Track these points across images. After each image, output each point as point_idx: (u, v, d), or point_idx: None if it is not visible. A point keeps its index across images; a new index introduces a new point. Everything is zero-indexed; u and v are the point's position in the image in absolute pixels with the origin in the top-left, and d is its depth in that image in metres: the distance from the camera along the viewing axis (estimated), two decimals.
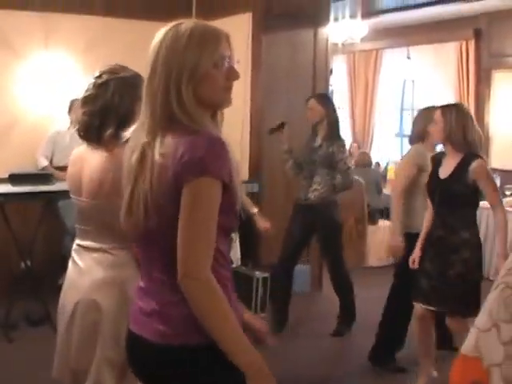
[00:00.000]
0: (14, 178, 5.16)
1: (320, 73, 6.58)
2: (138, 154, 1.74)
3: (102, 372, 2.36)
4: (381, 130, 10.61)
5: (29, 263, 5.34)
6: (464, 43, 8.82)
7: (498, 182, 7.26)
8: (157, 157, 1.68)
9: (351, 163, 9.20)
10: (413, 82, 10.18)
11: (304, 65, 6.46)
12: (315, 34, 6.51)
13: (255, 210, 4.78)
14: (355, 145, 10.38)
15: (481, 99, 8.58)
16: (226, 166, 1.66)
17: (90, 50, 6.46)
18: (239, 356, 1.65)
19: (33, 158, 6.12)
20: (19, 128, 6.30)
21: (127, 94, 2.38)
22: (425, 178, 4.11)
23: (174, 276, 1.67)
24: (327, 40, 6.58)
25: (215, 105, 1.79)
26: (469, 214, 3.87)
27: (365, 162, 8.40)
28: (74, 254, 2.56)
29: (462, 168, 3.80)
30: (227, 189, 1.67)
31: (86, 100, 2.47)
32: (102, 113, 2.40)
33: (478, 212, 4.03)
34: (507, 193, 7.39)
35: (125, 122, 2.20)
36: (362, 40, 7.21)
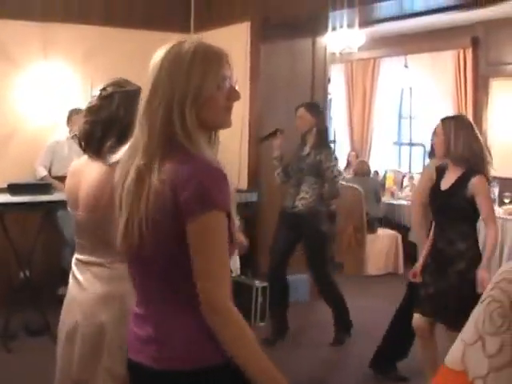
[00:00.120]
0: (13, 188, 5.15)
1: (318, 82, 6.60)
2: (134, 177, 1.70)
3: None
4: (379, 138, 10.61)
5: (28, 273, 5.34)
6: (461, 51, 8.84)
7: (496, 190, 7.29)
8: (155, 182, 1.65)
9: (350, 172, 9.29)
10: (410, 90, 10.20)
11: (302, 74, 6.48)
12: (313, 43, 6.53)
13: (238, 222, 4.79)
14: (353, 153, 10.38)
15: (479, 107, 8.59)
16: (229, 197, 1.66)
17: (88, 59, 6.48)
18: (263, 378, 1.66)
19: (31, 168, 6.12)
20: (18, 138, 6.31)
21: (131, 108, 2.37)
22: None
23: (170, 302, 1.69)
24: (325, 49, 6.60)
25: (215, 127, 1.78)
26: (467, 227, 3.84)
27: (363, 171, 8.40)
28: (73, 268, 2.55)
29: (461, 182, 3.80)
30: (229, 218, 1.68)
31: (90, 110, 2.47)
32: (106, 124, 2.40)
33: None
34: (506, 201, 7.40)
35: (125, 135, 2.20)
36: (360, 49, 7.20)
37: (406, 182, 9.22)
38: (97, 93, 2.49)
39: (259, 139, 5.75)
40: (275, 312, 5.46)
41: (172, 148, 1.68)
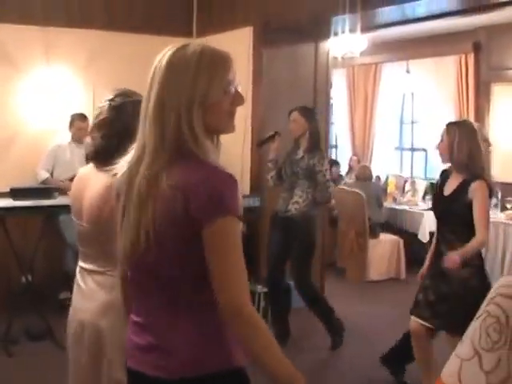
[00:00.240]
0: (15, 192, 5.15)
1: (321, 86, 6.60)
2: (142, 184, 1.69)
3: None
4: (380, 143, 10.61)
5: (29, 278, 5.33)
6: (463, 57, 8.85)
7: (498, 195, 7.27)
8: (165, 188, 1.64)
9: (352, 177, 9.28)
10: (412, 95, 10.20)
11: (305, 78, 6.48)
12: (316, 48, 6.53)
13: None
14: (355, 158, 10.38)
15: (480, 112, 8.59)
16: (239, 202, 1.66)
17: (90, 64, 6.49)
18: (284, 379, 1.65)
19: (32, 172, 6.12)
20: (19, 142, 6.31)
21: None
22: None
23: (171, 309, 1.69)
24: (328, 54, 6.60)
25: (219, 131, 1.77)
26: (468, 233, 3.81)
27: (365, 176, 8.38)
28: (77, 275, 2.55)
29: (463, 188, 3.80)
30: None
31: (102, 123, 2.43)
32: (120, 135, 2.31)
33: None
34: (508, 206, 7.38)
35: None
36: (362, 54, 7.20)
37: (407, 186, 9.20)
38: (103, 104, 2.45)
39: (258, 142, 5.75)
40: (276, 317, 5.45)
41: (180, 153, 1.66)
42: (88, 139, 2.61)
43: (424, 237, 7.86)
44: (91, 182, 2.44)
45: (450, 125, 3.94)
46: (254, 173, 6.21)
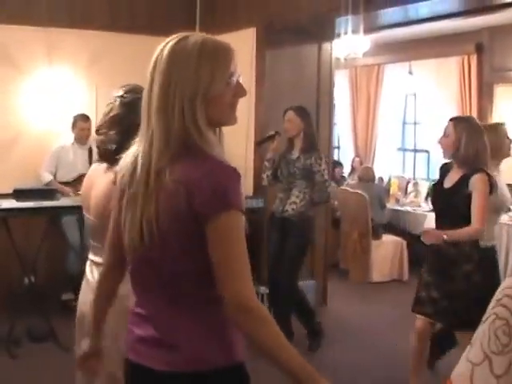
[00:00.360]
0: (19, 193, 5.14)
1: (324, 87, 6.59)
2: (145, 178, 1.67)
3: None
4: (383, 144, 10.60)
5: (32, 279, 5.33)
6: (466, 57, 8.83)
7: None
8: (168, 183, 1.63)
9: (354, 178, 9.26)
10: (415, 96, 10.18)
11: (308, 79, 6.47)
12: (319, 49, 6.52)
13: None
14: (358, 159, 10.38)
15: (483, 113, 8.57)
16: (243, 197, 1.65)
17: (92, 64, 6.49)
18: (296, 370, 1.63)
19: (35, 173, 6.11)
20: (22, 143, 6.30)
21: None
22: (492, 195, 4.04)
23: (172, 304, 1.68)
24: (331, 55, 6.59)
25: (221, 123, 1.75)
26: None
27: (368, 177, 8.37)
28: (87, 269, 2.60)
29: (463, 181, 3.79)
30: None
31: (114, 120, 2.45)
32: (131, 132, 2.35)
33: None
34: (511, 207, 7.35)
35: None
36: (364, 55, 7.19)
37: (410, 188, 9.20)
38: (113, 100, 2.47)
39: (257, 141, 5.73)
40: (278, 317, 5.43)
41: (186, 148, 1.65)
42: (94, 138, 2.63)
43: None
44: (99, 180, 2.48)
45: (457, 121, 3.91)
46: (256, 174, 6.19)
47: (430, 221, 7.66)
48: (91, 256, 2.59)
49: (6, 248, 5.25)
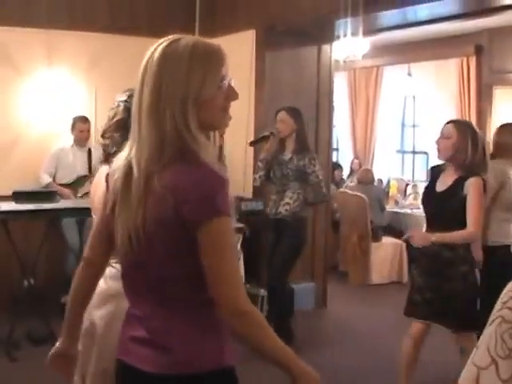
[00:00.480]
0: (18, 196, 5.13)
1: (323, 89, 6.60)
2: (139, 184, 1.66)
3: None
4: (382, 146, 10.61)
5: (32, 281, 5.31)
6: (465, 59, 8.84)
7: None
8: (157, 188, 1.62)
9: (353, 180, 9.26)
10: (414, 98, 10.19)
11: (307, 81, 6.47)
12: (319, 51, 6.52)
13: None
14: (357, 161, 10.38)
15: (482, 115, 8.58)
16: (230, 203, 1.65)
17: (92, 66, 6.48)
18: (291, 366, 1.69)
19: (34, 175, 6.10)
20: (21, 145, 6.29)
21: None
22: (505, 194, 4.01)
23: (165, 306, 1.68)
24: (331, 57, 6.60)
25: (213, 127, 1.75)
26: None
27: (367, 179, 8.38)
28: None
29: (458, 184, 3.74)
30: None
31: (119, 124, 2.49)
32: None
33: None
34: None
35: None
36: (363, 57, 7.20)
37: (409, 190, 9.20)
38: (117, 105, 2.52)
39: (251, 142, 5.68)
40: (278, 319, 5.42)
41: (178, 151, 1.64)
42: (99, 141, 2.66)
43: None
44: (101, 182, 2.50)
45: (459, 124, 3.87)
46: None
47: None
48: None
49: (5, 250, 5.25)
